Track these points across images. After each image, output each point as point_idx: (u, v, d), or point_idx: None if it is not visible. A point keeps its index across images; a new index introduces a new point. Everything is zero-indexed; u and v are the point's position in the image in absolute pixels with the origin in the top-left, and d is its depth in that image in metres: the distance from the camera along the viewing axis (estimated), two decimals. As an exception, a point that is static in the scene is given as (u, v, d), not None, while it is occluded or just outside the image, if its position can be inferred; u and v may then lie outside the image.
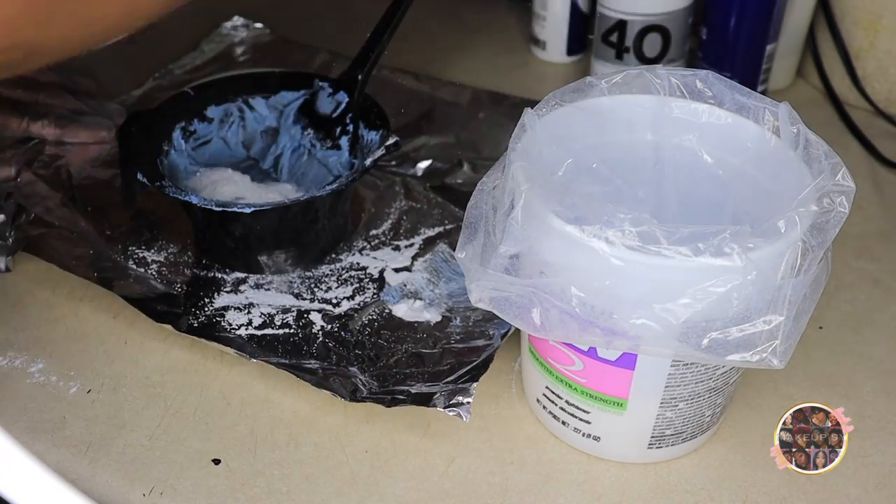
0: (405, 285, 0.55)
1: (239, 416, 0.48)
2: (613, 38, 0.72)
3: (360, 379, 0.48)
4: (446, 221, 0.61)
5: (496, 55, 0.83)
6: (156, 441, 0.47)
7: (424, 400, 0.46)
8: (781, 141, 0.43)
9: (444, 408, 0.45)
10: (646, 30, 0.70)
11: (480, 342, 0.51)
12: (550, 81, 0.79)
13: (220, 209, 0.51)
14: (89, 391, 0.50)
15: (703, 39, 0.71)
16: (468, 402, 0.45)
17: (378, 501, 0.44)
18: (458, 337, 0.52)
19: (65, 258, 0.55)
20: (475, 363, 0.49)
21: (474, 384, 0.47)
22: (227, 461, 0.46)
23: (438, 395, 0.46)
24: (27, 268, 0.56)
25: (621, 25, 0.71)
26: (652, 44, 0.71)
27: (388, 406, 0.46)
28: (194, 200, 0.51)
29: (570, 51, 0.81)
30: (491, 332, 0.51)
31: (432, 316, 0.53)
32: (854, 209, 0.39)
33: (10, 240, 0.55)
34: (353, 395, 0.47)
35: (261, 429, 0.48)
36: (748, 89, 0.45)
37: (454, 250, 0.57)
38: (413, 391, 0.47)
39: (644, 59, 0.71)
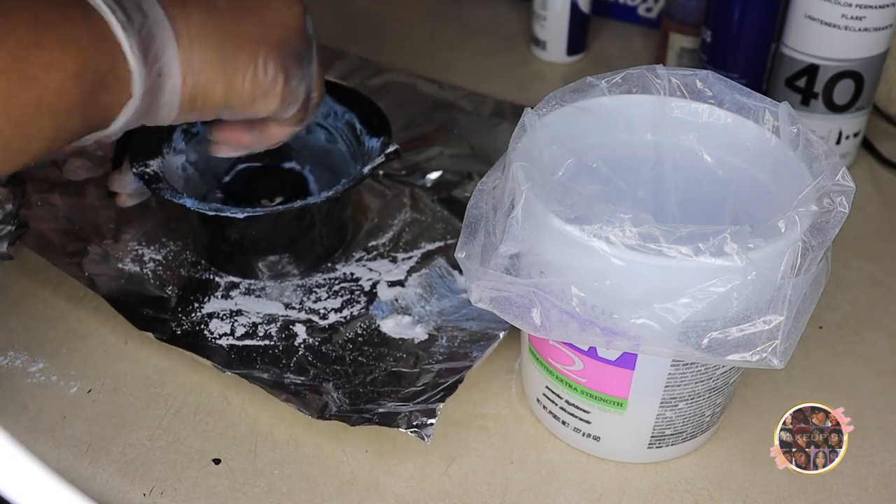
0: (396, 300, 0.54)
1: (239, 416, 0.48)
2: (801, 82, 0.65)
3: (331, 396, 0.47)
4: (448, 236, 0.59)
5: (496, 55, 0.83)
6: (156, 441, 0.47)
7: (389, 420, 0.45)
8: (781, 141, 0.43)
9: (407, 428, 0.45)
10: (839, 76, 0.64)
11: (462, 364, 0.49)
12: (550, 81, 0.79)
13: (214, 213, 0.50)
14: (89, 391, 0.50)
15: (705, 41, 0.71)
16: (432, 423, 0.45)
17: (378, 501, 0.44)
18: (440, 357, 0.50)
19: (59, 254, 0.55)
20: (447, 384, 0.48)
21: (440, 405, 0.46)
22: (227, 461, 0.46)
23: (403, 415, 0.45)
24: (27, 267, 0.56)
25: (811, 70, 0.64)
26: (843, 90, 0.65)
27: (353, 425, 0.45)
28: (189, 204, 0.50)
29: (570, 51, 0.81)
30: (474, 354, 0.50)
31: (418, 333, 0.52)
32: (854, 209, 0.39)
33: (15, 226, 0.55)
34: (322, 413, 0.46)
35: (261, 429, 0.48)
36: (748, 89, 0.45)
37: (452, 266, 0.56)
38: (381, 410, 0.46)
39: (833, 107, 0.65)
